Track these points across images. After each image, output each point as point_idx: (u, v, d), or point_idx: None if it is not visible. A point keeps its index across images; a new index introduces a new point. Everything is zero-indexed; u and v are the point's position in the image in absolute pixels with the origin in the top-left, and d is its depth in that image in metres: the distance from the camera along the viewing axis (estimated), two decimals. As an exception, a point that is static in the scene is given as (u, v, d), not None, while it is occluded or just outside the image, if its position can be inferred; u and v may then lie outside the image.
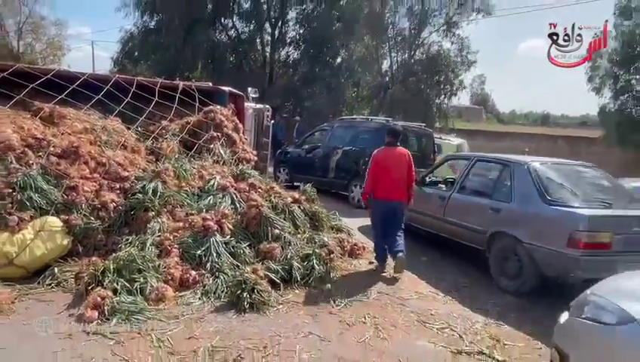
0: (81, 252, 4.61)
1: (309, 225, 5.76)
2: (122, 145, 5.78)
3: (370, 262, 5.59)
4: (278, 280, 4.52)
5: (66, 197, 4.80)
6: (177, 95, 6.83)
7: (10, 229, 4.34)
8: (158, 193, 5.08)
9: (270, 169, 10.61)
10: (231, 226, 4.99)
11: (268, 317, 3.94)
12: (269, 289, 4.26)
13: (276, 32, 21.36)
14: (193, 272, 4.40)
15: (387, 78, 23.63)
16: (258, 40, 21.74)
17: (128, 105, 6.37)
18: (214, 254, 4.61)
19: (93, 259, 4.43)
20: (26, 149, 5.00)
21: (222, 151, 6.48)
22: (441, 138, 12.44)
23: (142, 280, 4.05)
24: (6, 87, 5.70)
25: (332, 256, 5.14)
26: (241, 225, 5.13)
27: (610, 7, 18.79)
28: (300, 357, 3.34)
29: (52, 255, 4.44)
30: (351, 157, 9.73)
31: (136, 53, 21.51)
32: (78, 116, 5.89)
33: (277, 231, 5.14)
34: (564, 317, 2.95)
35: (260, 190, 5.76)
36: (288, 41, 21.86)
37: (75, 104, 6.04)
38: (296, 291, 4.54)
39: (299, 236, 5.38)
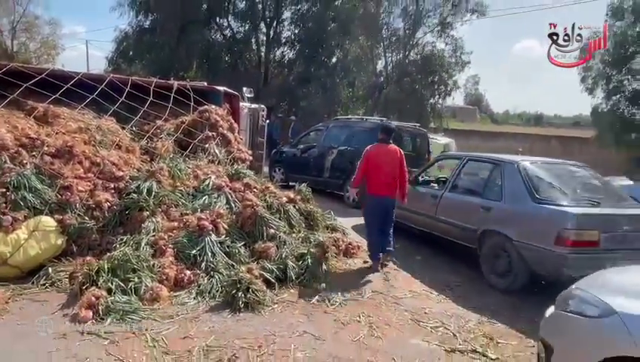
0: (76, 252, 4.60)
1: (304, 225, 5.77)
2: (117, 144, 5.77)
3: (365, 261, 5.62)
4: (273, 280, 4.54)
5: (60, 196, 4.79)
6: (172, 95, 6.82)
7: (4, 229, 4.33)
8: (153, 193, 5.09)
9: (265, 169, 10.60)
10: (226, 226, 5.00)
11: (263, 316, 3.95)
12: (264, 288, 4.27)
13: (271, 32, 21.34)
14: (188, 272, 4.41)
15: (382, 78, 23.69)
16: (253, 40, 21.69)
17: (123, 105, 6.35)
18: (209, 254, 4.61)
19: (88, 258, 4.43)
20: (20, 149, 4.98)
21: (217, 151, 6.48)
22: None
23: (136, 279, 4.06)
24: (0, 87, 5.67)
25: (327, 254, 5.15)
26: (236, 224, 5.14)
27: (604, 8, 18.95)
28: (295, 356, 3.36)
29: (46, 255, 4.43)
30: (346, 157, 9.74)
31: (130, 53, 21.41)
32: (72, 116, 5.88)
33: (272, 230, 5.16)
34: (550, 311, 3.00)
35: (255, 190, 5.77)
36: (283, 40, 21.86)
37: (69, 103, 6.03)
38: (291, 290, 4.55)
39: (294, 235, 5.40)
